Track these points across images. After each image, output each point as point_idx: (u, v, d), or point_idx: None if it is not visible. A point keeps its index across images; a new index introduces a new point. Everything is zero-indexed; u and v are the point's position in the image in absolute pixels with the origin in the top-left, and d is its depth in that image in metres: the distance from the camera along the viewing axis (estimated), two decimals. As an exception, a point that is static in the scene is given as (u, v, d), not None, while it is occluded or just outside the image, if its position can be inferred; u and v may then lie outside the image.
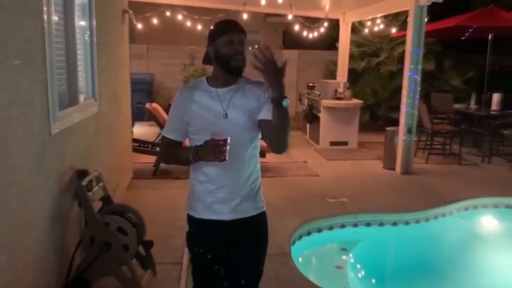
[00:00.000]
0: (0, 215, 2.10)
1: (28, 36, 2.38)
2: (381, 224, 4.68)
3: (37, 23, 2.51)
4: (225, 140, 1.74)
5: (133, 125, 7.95)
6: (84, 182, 2.98)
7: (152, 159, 6.17)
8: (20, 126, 2.29)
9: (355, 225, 4.64)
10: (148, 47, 10.62)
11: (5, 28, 2.11)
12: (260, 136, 1.99)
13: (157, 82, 10.23)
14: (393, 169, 6.52)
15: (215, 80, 1.97)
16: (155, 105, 6.31)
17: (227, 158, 1.77)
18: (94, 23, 3.67)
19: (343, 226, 4.61)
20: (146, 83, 10.01)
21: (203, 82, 1.99)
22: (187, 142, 2.03)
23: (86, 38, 3.59)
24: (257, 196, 2.04)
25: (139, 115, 7.98)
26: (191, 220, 2.07)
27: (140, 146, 6.28)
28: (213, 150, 1.75)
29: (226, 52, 1.88)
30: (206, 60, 2.00)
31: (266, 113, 1.87)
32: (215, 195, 1.96)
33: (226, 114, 1.90)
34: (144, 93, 9.78)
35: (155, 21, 8.10)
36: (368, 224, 4.66)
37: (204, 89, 1.96)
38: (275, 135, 1.86)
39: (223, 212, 1.97)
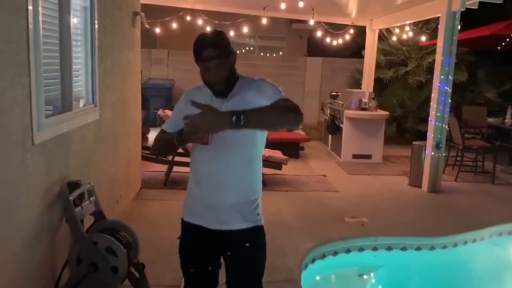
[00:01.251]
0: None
1: (6, 35, 2.14)
2: (404, 249, 4.28)
3: (20, 21, 2.26)
4: None
5: (148, 131, 7.77)
6: (71, 197, 2.72)
7: (164, 167, 5.92)
8: (-8, 135, 2.05)
9: (375, 248, 4.25)
10: (169, 52, 10.47)
11: (-27, 25, 1.86)
12: (264, 140, 1.94)
13: (177, 88, 10.04)
14: (419, 186, 6.07)
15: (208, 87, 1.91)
16: (167, 111, 6.07)
17: (210, 141, 1.76)
18: (96, 25, 3.44)
19: (361, 249, 4.22)
20: (166, 88, 9.83)
21: (202, 87, 1.92)
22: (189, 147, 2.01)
23: (86, 40, 3.35)
24: (252, 206, 1.92)
25: (157, 121, 7.78)
26: (181, 223, 2.02)
27: (151, 153, 6.04)
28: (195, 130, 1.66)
29: (205, 79, 1.83)
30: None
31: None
32: (203, 199, 1.90)
33: None
34: (164, 98, 9.60)
35: (174, 25, 7.90)
36: (389, 248, 4.26)
37: (206, 92, 1.89)
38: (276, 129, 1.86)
39: (209, 220, 1.89)
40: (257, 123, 1.66)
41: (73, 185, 2.88)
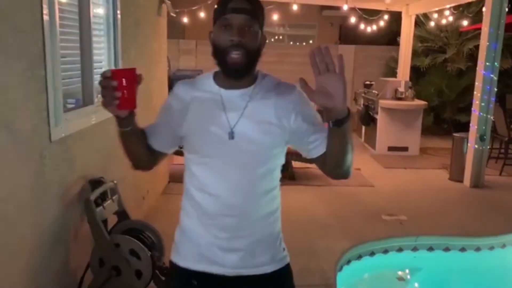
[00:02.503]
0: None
1: (18, 25, 1.97)
2: (447, 249, 3.97)
3: (33, 9, 2.10)
4: (121, 72, 1.23)
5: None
6: (93, 196, 2.57)
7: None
8: (5, 134, 1.90)
9: (415, 249, 3.96)
10: (197, 42, 10.31)
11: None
12: (283, 161, 1.44)
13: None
14: (461, 181, 5.70)
15: (220, 78, 1.37)
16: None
17: (130, 107, 1.29)
18: (119, 14, 3.27)
19: (400, 249, 3.94)
20: (194, 79, 9.70)
21: (209, 78, 1.40)
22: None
23: (109, 29, 3.19)
24: (277, 242, 1.46)
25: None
26: (173, 269, 1.47)
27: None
28: (102, 89, 1.23)
29: (218, 43, 1.29)
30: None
31: (320, 146, 1.33)
32: (213, 234, 1.38)
33: (232, 133, 1.31)
34: (192, 90, 9.46)
35: (202, 15, 7.70)
36: (430, 249, 3.96)
37: (207, 88, 1.38)
38: (335, 161, 1.31)
39: (225, 263, 1.38)
40: (347, 134, 1.23)
41: (95, 183, 2.74)
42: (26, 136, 2.08)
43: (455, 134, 6.01)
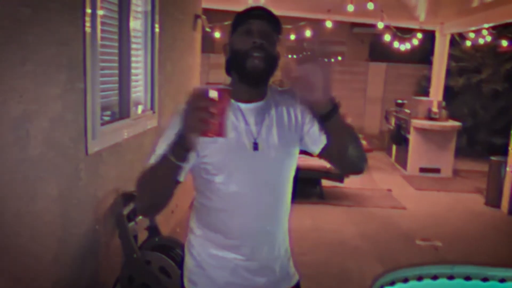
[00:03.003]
0: (12, 252, 1.68)
1: (61, 37, 1.97)
2: (485, 279, 3.69)
3: (76, 22, 2.10)
4: (222, 92, 0.99)
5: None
6: (125, 211, 2.53)
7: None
8: (43, 145, 1.88)
9: (451, 277, 3.73)
10: (227, 57, 10.36)
11: (24, 25, 1.70)
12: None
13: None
14: (498, 206, 5.46)
15: (235, 91, 1.28)
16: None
17: (225, 134, 1.02)
18: (157, 28, 3.27)
19: (435, 277, 3.71)
20: (223, 93, 9.72)
21: None
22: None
23: (147, 43, 3.19)
24: (290, 261, 1.45)
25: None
26: None
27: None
28: (196, 111, 0.98)
29: (239, 47, 1.27)
30: (227, 65, 1.36)
31: (318, 141, 1.34)
32: (242, 259, 1.31)
33: (256, 144, 1.29)
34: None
35: (234, 29, 7.73)
36: (467, 278, 3.71)
37: None
38: (337, 154, 1.29)
39: (255, 285, 1.34)
40: (343, 126, 1.22)
41: (128, 197, 2.70)
42: (63, 149, 2.06)
43: (493, 158, 5.79)
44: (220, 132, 1.01)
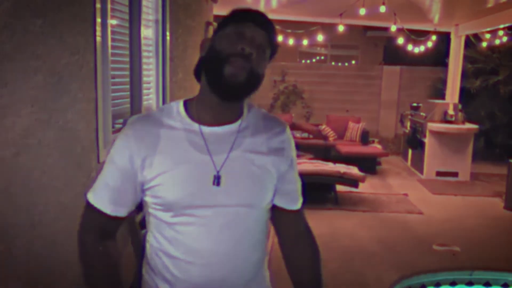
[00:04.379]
0: (26, 261, 1.69)
1: (72, 47, 1.99)
2: (505, 285, 3.66)
3: (87, 32, 2.12)
4: None
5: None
6: (137, 218, 2.53)
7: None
8: (55, 154, 1.90)
9: (470, 283, 3.68)
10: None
11: (36, 35, 1.72)
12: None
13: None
14: (518, 210, 5.35)
15: (201, 107, 1.10)
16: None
17: None
18: (168, 36, 3.29)
19: (453, 283, 3.67)
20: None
21: (179, 110, 1.11)
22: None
23: (158, 52, 3.21)
24: (265, 276, 1.21)
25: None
26: None
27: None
28: None
29: (222, 48, 1.03)
30: (197, 68, 1.15)
31: (285, 199, 1.19)
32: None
33: (217, 177, 1.05)
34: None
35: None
36: (487, 284, 3.67)
37: (178, 124, 1.09)
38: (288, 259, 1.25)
39: None
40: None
41: (141, 205, 2.71)
42: (75, 158, 2.08)
43: (511, 160, 5.67)
44: None
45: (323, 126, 8.28)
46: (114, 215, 1.12)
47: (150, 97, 3.21)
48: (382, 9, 5.45)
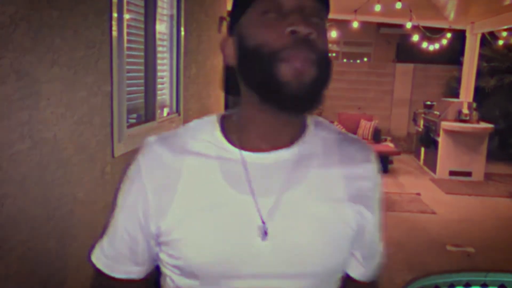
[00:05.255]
0: (40, 255, 1.69)
1: (88, 40, 1.98)
2: (520, 288, 3.63)
3: (103, 25, 2.11)
4: None
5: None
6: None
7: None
8: (70, 148, 1.89)
9: (484, 285, 3.63)
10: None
11: (52, 28, 1.71)
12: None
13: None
14: (533, 212, 5.27)
15: (243, 126, 0.75)
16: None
17: None
18: (182, 31, 3.27)
19: (467, 285, 3.62)
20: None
21: (213, 130, 0.77)
22: None
23: (172, 46, 3.19)
24: None
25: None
26: None
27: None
28: None
29: (258, 41, 0.67)
30: (227, 76, 0.79)
31: (361, 264, 0.84)
32: None
33: (265, 228, 0.71)
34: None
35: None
36: (502, 287, 3.61)
37: (211, 149, 0.75)
38: None
39: None
40: None
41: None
42: (90, 152, 2.07)
43: (527, 161, 5.58)
44: None
45: (335, 124, 8.23)
46: (125, 278, 0.79)
47: (163, 92, 3.20)
48: (398, 5, 5.38)
